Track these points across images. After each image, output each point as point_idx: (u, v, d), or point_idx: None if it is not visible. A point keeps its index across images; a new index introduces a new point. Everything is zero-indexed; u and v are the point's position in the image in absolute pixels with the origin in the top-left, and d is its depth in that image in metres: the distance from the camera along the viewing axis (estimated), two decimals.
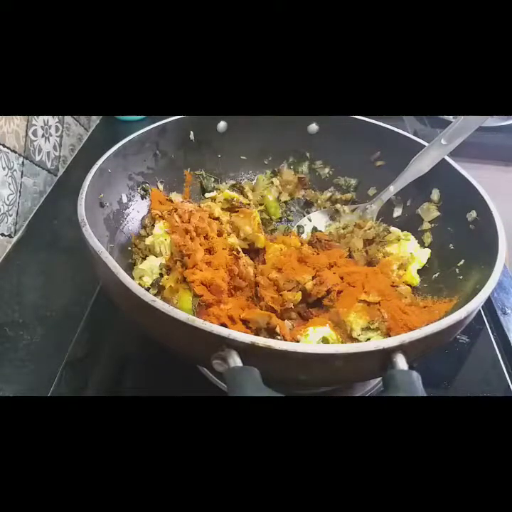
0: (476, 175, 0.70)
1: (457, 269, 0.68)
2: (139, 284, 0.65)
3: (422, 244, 0.78)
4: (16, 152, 0.88)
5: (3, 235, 0.86)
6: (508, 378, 0.71)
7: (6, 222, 0.86)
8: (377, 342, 0.46)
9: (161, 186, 0.85)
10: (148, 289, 0.70)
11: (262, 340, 0.44)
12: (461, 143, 0.71)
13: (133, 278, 0.68)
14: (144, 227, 0.80)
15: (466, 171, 0.71)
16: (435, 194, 0.77)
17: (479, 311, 0.79)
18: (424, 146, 0.76)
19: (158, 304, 0.48)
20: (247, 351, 0.44)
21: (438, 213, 0.77)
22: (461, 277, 0.67)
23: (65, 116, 1.09)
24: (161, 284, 0.70)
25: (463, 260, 0.68)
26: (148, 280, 0.71)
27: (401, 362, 0.45)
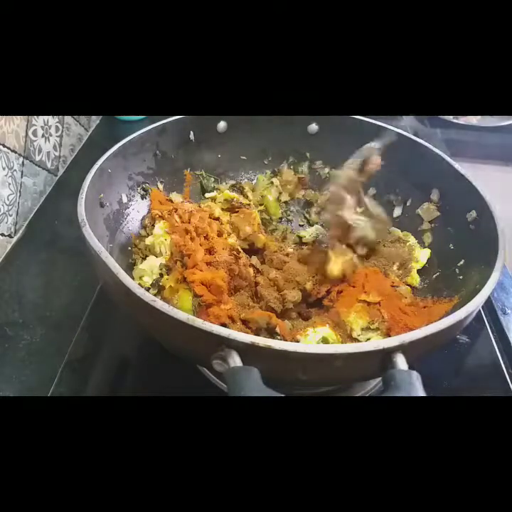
0: (476, 175, 0.70)
1: (457, 269, 0.68)
2: (139, 284, 0.65)
3: (422, 244, 0.78)
4: (16, 152, 0.88)
5: (3, 235, 0.86)
6: (508, 378, 0.71)
7: (6, 222, 0.86)
8: (377, 342, 0.46)
9: (161, 186, 0.84)
10: (148, 289, 0.70)
11: (262, 340, 0.44)
12: (461, 143, 0.71)
13: (133, 278, 0.68)
14: (144, 227, 0.79)
15: (466, 171, 0.71)
16: (435, 194, 0.77)
17: (479, 311, 0.79)
18: (425, 146, 0.75)
19: (158, 303, 0.48)
20: (247, 351, 0.44)
21: (438, 213, 0.77)
22: (461, 277, 0.67)
23: (65, 117, 1.09)
24: (161, 284, 0.70)
25: (463, 260, 0.68)
26: (148, 280, 0.71)
27: (401, 362, 0.45)
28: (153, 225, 0.79)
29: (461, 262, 0.68)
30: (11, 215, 0.88)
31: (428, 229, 0.78)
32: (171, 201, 0.84)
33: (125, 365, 0.72)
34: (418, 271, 0.75)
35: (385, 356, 0.46)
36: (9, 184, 0.86)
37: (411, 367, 0.45)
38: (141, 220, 0.80)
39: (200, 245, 0.71)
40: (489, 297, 0.81)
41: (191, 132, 0.86)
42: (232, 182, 0.91)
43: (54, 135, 1.04)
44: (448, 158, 0.73)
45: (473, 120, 1.33)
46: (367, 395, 0.68)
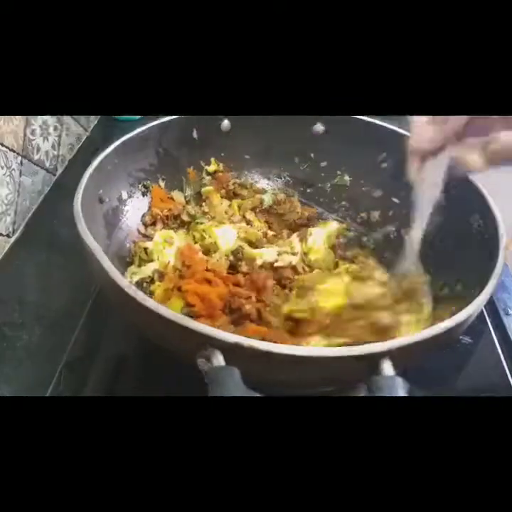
0: (475, 175, 0.69)
1: (457, 275, 0.67)
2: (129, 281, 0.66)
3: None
4: (14, 151, 0.88)
5: (1, 234, 0.85)
6: (510, 379, 0.71)
7: (5, 222, 0.86)
8: (364, 347, 0.45)
9: (162, 184, 0.84)
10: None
11: (246, 341, 0.44)
12: None
13: (126, 274, 0.71)
14: (143, 224, 0.79)
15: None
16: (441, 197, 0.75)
17: (482, 311, 0.79)
18: None
19: (146, 301, 0.48)
20: (231, 351, 0.44)
21: (442, 217, 0.75)
22: (460, 285, 0.66)
23: (64, 116, 1.09)
24: (151, 289, 0.71)
25: (464, 265, 0.67)
26: (136, 278, 0.73)
27: (387, 368, 0.44)
28: (153, 224, 0.80)
29: (462, 267, 0.67)
30: (9, 215, 0.87)
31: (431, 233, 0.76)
32: (173, 199, 0.84)
33: (124, 365, 0.72)
34: None
35: (372, 361, 0.45)
36: (8, 183, 0.86)
37: (401, 373, 0.44)
38: (141, 217, 0.80)
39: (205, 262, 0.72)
40: (491, 297, 0.80)
41: (194, 130, 0.85)
42: (237, 180, 0.91)
43: (53, 134, 1.04)
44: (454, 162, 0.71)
45: None
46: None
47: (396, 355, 0.45)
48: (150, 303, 0.48)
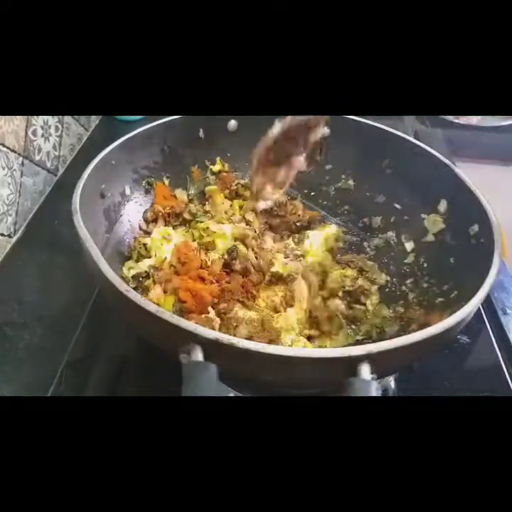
0: (476, 175, 0.69)
1: (452, 283, 0.67)
2: (122, 276, 0.68)
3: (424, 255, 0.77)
4: (15, 152, 0.88)
5: (2, 235, 0.86)
6: (508, 378, 0.71)
7: (6, 222, 0.86)
8: (344, 349, 0.44)
9: (166, 181, 0.84)
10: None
11: (226, 337, 0.44)
12: (461, 143, 0.70)
13: (123, 268, 0.72)
14: (145, 220, 0.80)
15: (466, 170, 0.70)
16: (442, 205, 0.74)
17: (479, 310, 0.79)
18: (434, 155, 0.74)
19: (131, 294, 0.48)
20: (211, 347, 0.44)
21: (443, 226, 0.74)
22: (456, 292, 0.66)
23: (65, 116, 1.09)
24: (145, 285, 0.72)
25: (460, 275, 0.66)
26: (132, 272, 0.74)
27: (365, 371, 0.44)
28: (154, 220, 0.80)
29: (458, 276, 0.66)
30: (10, 215, 0.87)
31: (431, 241, 0.76)
32: (176, 197, 0.85)
33: (125, 364, 0.72)
34: (415, 282, 0.74)
35: (350, 364, 0.44)
36: (9, 184, 0.86)
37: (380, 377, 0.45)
38: (144, 213, 0.80)
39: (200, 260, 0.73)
40: (489, 296, 0.81)
41: (200, 130, 0.85)
42: (241, 181, 0.91)
43: (54, 135, 1.04)
44: (458, 171, 0.71)
45: (474, 120, 1.33)
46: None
47: (376, 360, 0.44)
48: (135, 296, 0.48)
